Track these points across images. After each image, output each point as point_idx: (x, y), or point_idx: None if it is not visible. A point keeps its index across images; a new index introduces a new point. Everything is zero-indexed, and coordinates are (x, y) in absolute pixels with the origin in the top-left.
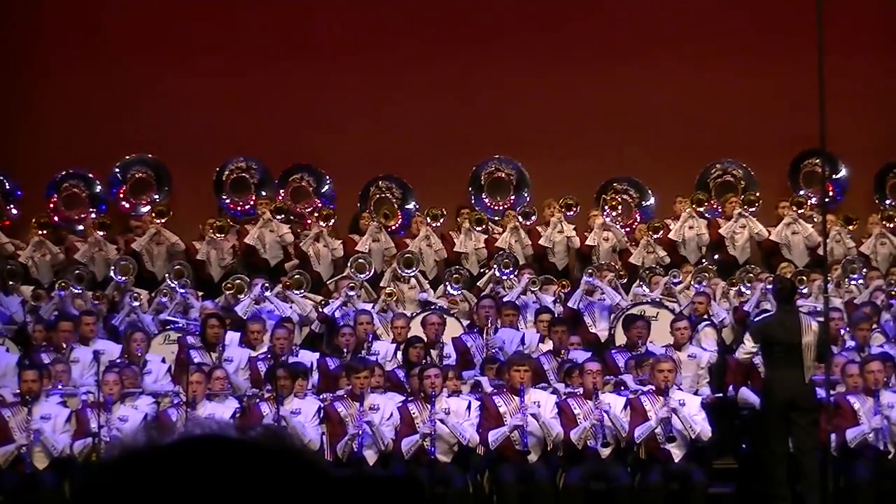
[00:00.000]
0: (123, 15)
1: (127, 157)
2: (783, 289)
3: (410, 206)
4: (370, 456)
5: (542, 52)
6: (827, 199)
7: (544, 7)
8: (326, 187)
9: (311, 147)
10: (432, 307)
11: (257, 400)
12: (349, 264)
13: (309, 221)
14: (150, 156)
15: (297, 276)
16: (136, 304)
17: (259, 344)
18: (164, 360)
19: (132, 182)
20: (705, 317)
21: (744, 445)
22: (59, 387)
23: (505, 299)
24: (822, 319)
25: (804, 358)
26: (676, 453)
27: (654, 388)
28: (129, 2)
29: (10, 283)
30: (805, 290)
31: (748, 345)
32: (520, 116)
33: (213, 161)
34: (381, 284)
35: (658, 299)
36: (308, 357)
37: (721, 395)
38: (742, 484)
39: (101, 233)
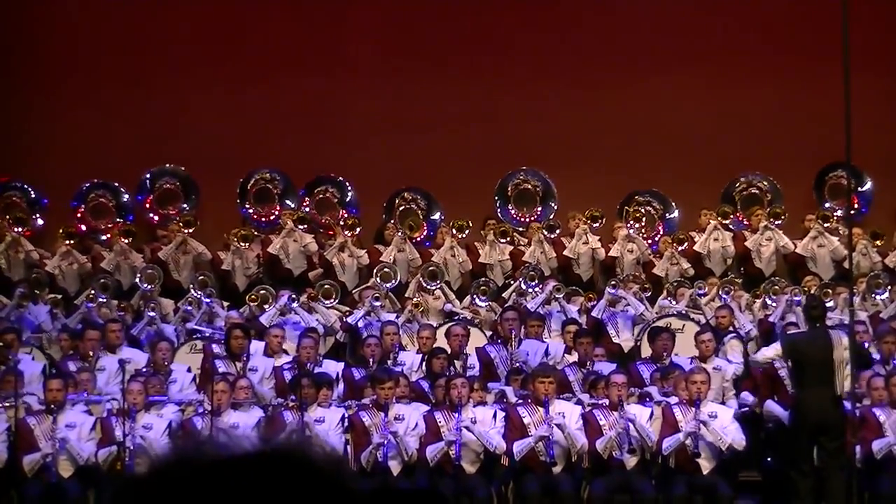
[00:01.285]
0: (153, 29)
1: (161, 167)
2: (815, 307)
3: (436, 216)
4: (394, 466)
5: (569, 66)
6: (852, 212)
7: (570, 22)
8: (350, 196)
9: (336, 159)
10: (456, 318)
11: (282, 409)
12: (375, 273)
13: (332, 232)
14: (182, 169)
15: (326, 287)
16: (154, 314)
17: (279, 350)
18: (189, 370)
19: (159, 192)
20: (730, 329)
21: (769, 459)
22: (84, 395)
23: (529, 307)
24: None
25: (835, 374)
26: (705, 465)
27: (681, 399)
28: (157, 18)
29: (37, 291)
30: (830, 304)
31: (774, 351)
32: (546, 129)
33: (240, 172)
34: (407, 295)
35: (683, 311)
36: (333, 367)
37: (746, 408)
38: (767, 497)
39: (126, 241)
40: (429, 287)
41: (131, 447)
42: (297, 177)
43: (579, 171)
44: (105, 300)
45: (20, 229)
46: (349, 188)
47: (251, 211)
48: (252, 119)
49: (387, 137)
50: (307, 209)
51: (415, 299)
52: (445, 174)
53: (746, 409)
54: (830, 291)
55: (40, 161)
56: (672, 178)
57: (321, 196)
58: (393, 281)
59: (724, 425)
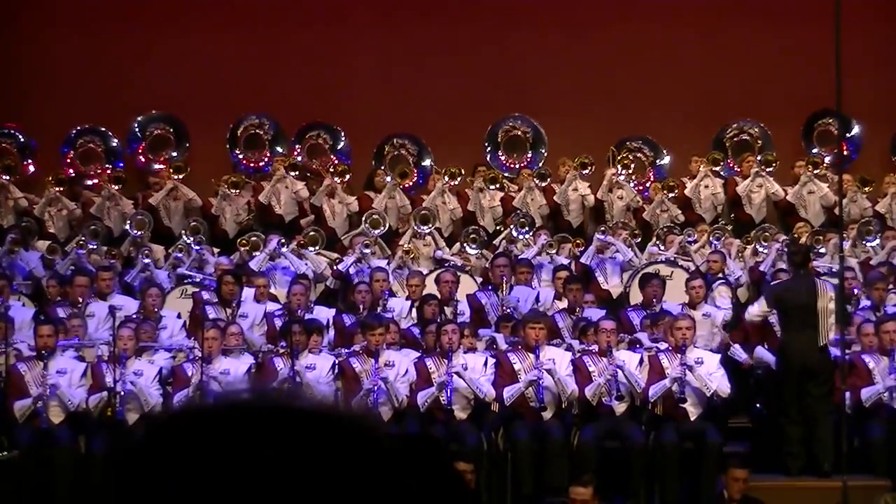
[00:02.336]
0: None
1: (150, 114)
2: (798, 254)
3: (426, 163)
4: (385, 412)
5: (559, 11)
6: (842, 159)
7: None
8: (342, 144)
9: (326, 105)
10: (446, 264)
11: (272, 355)
12: (364, 220)
13: (324, 177)
14: (172, 115)
15: (311, 234)
16: (148, 260)
17: (266, 299)
18: (179, 316)
19: (150, 139)
20: (720, 275)
21: (758, 405)
22: (75, 341)
23: (520, 258)
24: (836, 282)
25: (819, 322)
26: (692, 411)
27: (670, 345)
28: None
29: (27, 238)
30: (821, 250)
31: (760, 307)
32: (536, 75)
33: (231, 118)
34: (401, 242)
35: (672, 258)
36: (324, 314)
37: (735, 347)
38: (756, 443)
39: (116, 187)
40: (420, 231)
41: (122, 393)
42: (287, 123)
43: (570, 117)
44: (95, 246)
45: (8, 177)
46: (342, 135)
47: (241, 157)
48: (242, 65)
49: (376, 84)
50: (298, 155)
51: (406, 245)
52: (435, 121)
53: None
54: (821, 238)
55: (29, 107)
56: (663, 125)
57: (312, 142)
58: (382, 227)
59: (709, 371)
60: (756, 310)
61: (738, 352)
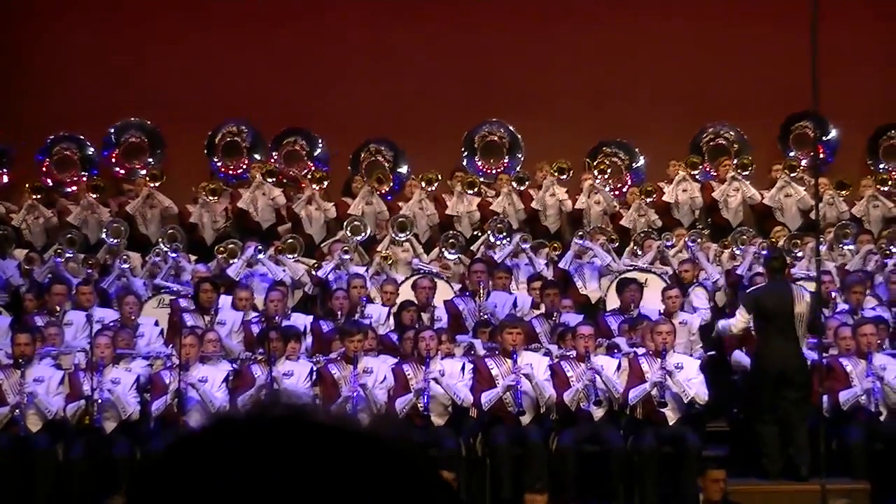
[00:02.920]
0: None
1: (125, 121)
2: (775, 260)
3: (402, 169)
4: (363, 419)
5: (535, 14)
6: (818, 162)
7: None
8: (319, 150)
9: (303, 111)
10: (423, 271)
11: (250, 362)
12: (345, 226)
13: (302, 184)
14: (148, 123)
15: (290, 241)
16: (125, 266)
17: (247, 309)
18: (157, 323)
19: (125, 146)
20: (695, 281)
21: (735, 410)
22: (52, 349)
23: (496, 258)
24: (812, 290)
25: (797, 328)
26: (671, 416)
27: (649, 350)
28: None
29: (5, 247)
30: (799, 254)
31: (741, 316)
32: (512, 80)
33: (207, 125)
34: (378, 249)
35: (646, 267)
36: (301, 320)
37: (714, 352)
38: (734, 446)
39: (93, 195)
40: (398, 238)
41: (99, 401)
42: (264, 128)
43: (547, 121)
44: (72, 255)
45: None
46: (320, 142)
47: (219, 164)
48: (219, 71)
49: (352, 89)
50: (276, 162)
51: (384, 251)
52: (411, 126)
53: (713, 353)
54: (799, 242)
55: (4, 114)
56: (640, 129)
57: (290, 148)
58: (363, 234)
59: (689, 377)
60: (738, 321)
61: (743, 357)
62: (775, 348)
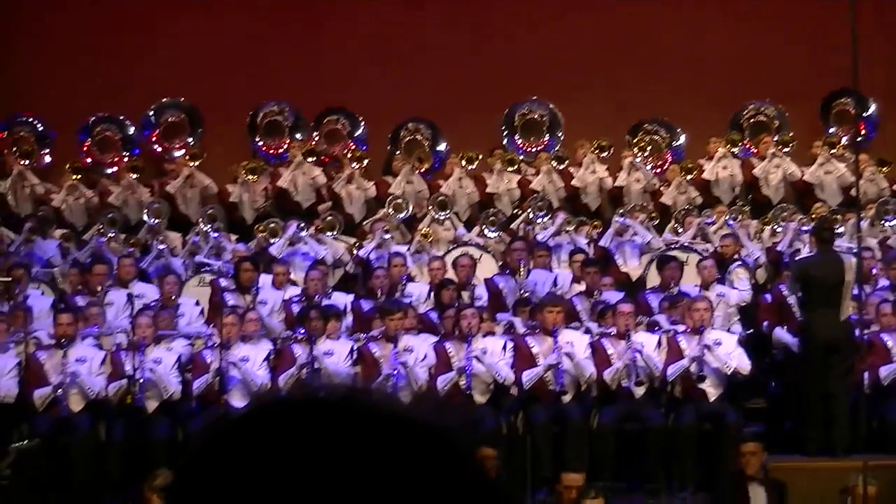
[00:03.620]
0: None
1: (161, 101)
2: (824, 230)
3: (441, 147)
4: (403, 398)
5: None
6: (859, 139)
7: None
8: (360, 130)
9: (343, 90)
10: (465, 244)
11: (290, 342)
12: (387, 205)
13: (342, 164)
14: (182, 100)
15: (329, 219)
16: (163, 247)
17: (285, 286)
18: (197, 303)
19: (165, 125)
20: (736, 257)
21: (773, 384)
22: (95, 329)
23: (539, 238)
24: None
25: (843, 297)
26: (712, 392)
27: (688, 327)
28: None
29: (45, 227)
30: (840, 230)
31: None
32: (553, 58)
33: (246, 105)
34: (419, 227)
35: (688, 244)
36: (342, 299)
37: (752, 331)
38: (772, 424)
39: (133, 175)
40: (438, 217)
41: (141, 380)
42: (304, 108)
43: (587, 98)
44: (114, 234)
45: (26, 162)
46: (361, 121)
47: (261, 144)
48: (258, 51)
49: (391, 69)
50: (316, 141)
51: (424, 230)
52: (451, 104)
53: (752, 331)
54: (839, 218)
55: (47, 96)
56: (680, 106)
57: (331, 127)
58: (405, 211)
59: (728, 351)
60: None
61: (784, 335)
62: (823, 318)
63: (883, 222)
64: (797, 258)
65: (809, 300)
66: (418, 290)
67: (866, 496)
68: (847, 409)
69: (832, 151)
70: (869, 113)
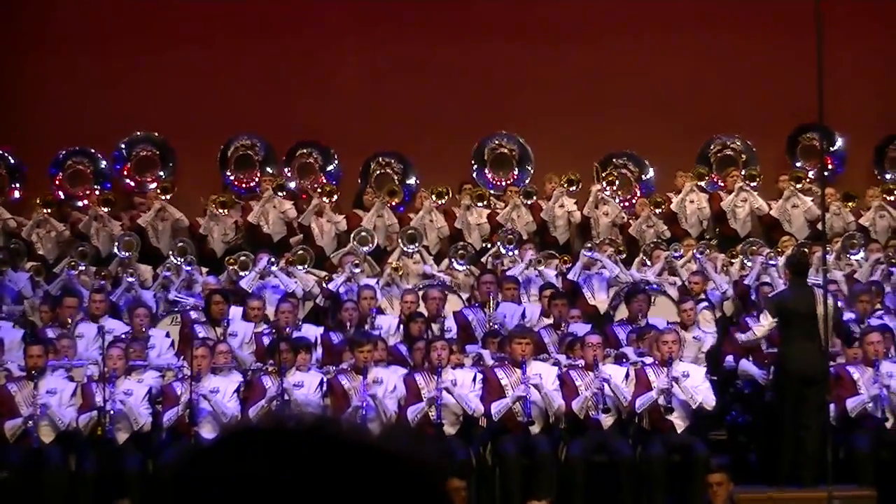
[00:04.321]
0: None
1: (133, 135)
2: (797, 263)
3: (411, 181)
4: (373, 429)
5: (542, 29)
6: (826, 172)
7: None
8: (333, 166)
9: (313, 123)
10: (434, 281)
11: (261, 373)
12: (352, 238)
13: (311, 197)
14: (156, 134)
15: (300, 252)
16: (132, 279)
17: (259, 320)
18: (168, 335)
19: (136, 159)
20: (702, 296)
21: (734, 415)
22: (66, 361)
23: (510, 273)
24: (830, 291)
25: (819, 329)
26: (679, 424)
27: (656, 359)
28: None
29: (16, 260)
30: None
31: (766, 324)
32: (521, 93)
33: (217, 138)
34: (389, 261)
35: (656, 285)
36: (312, 331)
37: (715, 376)
38: (735, 454)
39: (105, 209)
40: (407, 250)
41: (112, 412)
42: (273, 142)
43: (555, 133)
44: (84, 267)
45: None
46: (334, 155)
47: (232, 177)
48: (229, 85)
49: (362, 103)
50: (289, 174)
51: (394, 263)
52: (422, 139)
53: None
54: (806, 251)
55: (18, 131)
56: (648, 140)
57: (303, 160)
58: (370, 245)
59: (695, 384)
60: (762, 326)
61: (750, 367)
62: (799, 350)
63: (849, 255)
64: (772, 293)
65: (786, 333)
66: (388, 323)
67: None
68: (817, 443)
69: (798, 186)
70: (836, 148)
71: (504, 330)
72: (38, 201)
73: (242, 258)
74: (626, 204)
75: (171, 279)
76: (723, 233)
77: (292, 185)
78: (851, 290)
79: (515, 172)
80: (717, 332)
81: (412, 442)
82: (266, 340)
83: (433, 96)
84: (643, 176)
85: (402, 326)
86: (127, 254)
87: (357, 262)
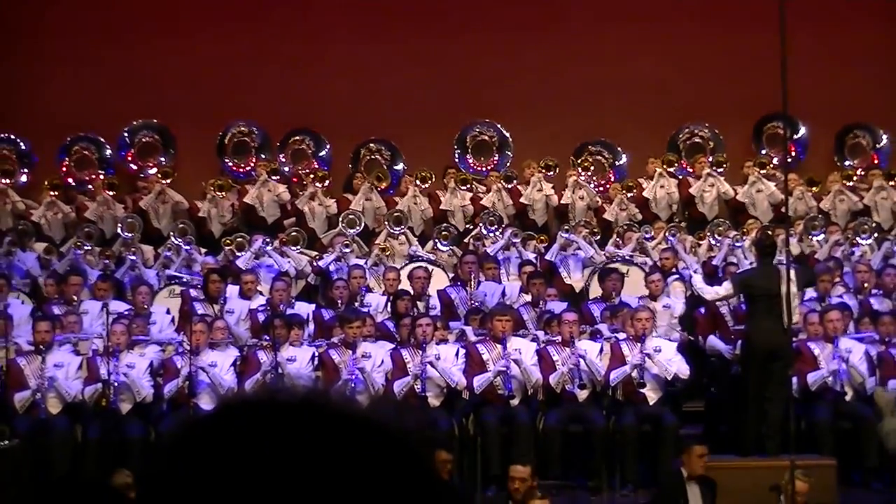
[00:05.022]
0: None
1: (134, 123)
2: (764, 244)
3: (399, 167)
4: (362, 401)
5: (521, 23)
6: (790, 159)
7: None
8: (325, 151)
9: (305, 112)
10: (419, 259)
11: (256, 348)
12: (341, 220)
13: (304, 182)
14: (155, 121)
15: (293, 233)
16: (134, 258)
17: (254, 294)
18: (168, 312)
19: (139, 146)
20: (673, 271)
21: (712, 389)
22: (71, 336)
23: (489, 251)
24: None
25: (783, 306)
26: (651, 396)
27: (629, 335)
28: None
29: (25, 240)
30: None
31: (725, 289)
32: (501, 84)
33: (215, 125)
34: (377, 242)
35: (629, 257)
36: (304, 309)
37: (692, 338)
38: (710, 425)
39: (109, 193)
40: (394, 232)
41: (115, 384)
42: (269, 127)
43: (535, 120)
44: (90, 248)
45: (7, 181)
46: (326, 143)
47: (229, 163)
48: (226, 75)
49: (351, 93)
50: (283, 160)
51: (381, 244)
52: (407, 126)
53: (692, 338)
54: (770, 233)
55: (26, 117)
56: (621, 127)
57: (297, 147)
58: (358, 227)
59: (668, 357)
60: (721, 290)
61: (717, 342)
62: (764, 327)
63: (811, 237)
64: (739, 271)
65: (752, 310)
66: (376, 301)
67: (794, 493)
68: (780, 414)
69: (762, 171)
70: (799, 135)
71: (485, 307)
72: (46, 184)
73: (239, 239)
74: (601, 189)
75: (172, 259)
76: (691, 216)
77: (286, 169)
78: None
79: (495, 158)
80: (685, 303)
81: (399, 413)
82: (261, 317)
83: (418, 86)
84: (616, 162)
85: (389, 304)
86: (130, 234)
87: (347, 242)
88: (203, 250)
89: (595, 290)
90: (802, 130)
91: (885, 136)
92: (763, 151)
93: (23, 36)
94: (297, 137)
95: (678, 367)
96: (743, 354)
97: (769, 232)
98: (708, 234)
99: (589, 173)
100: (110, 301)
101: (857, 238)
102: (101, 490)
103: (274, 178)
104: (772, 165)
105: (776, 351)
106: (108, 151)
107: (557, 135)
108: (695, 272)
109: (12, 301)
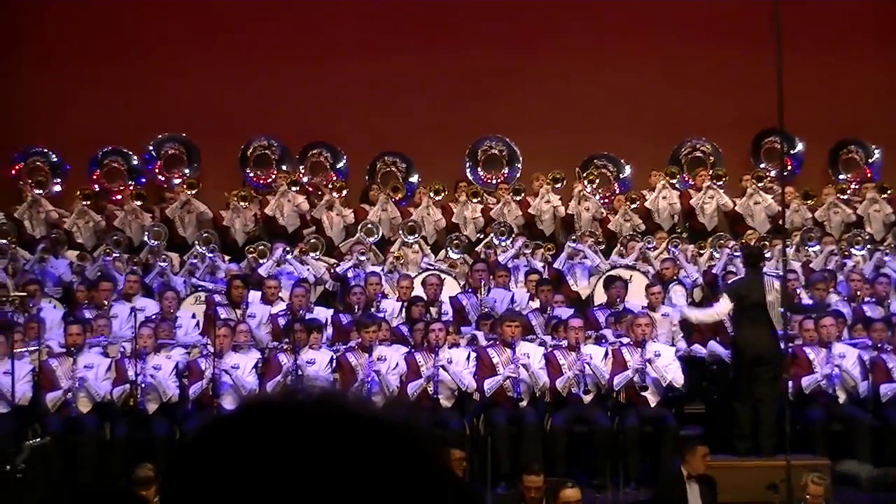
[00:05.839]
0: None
1: (160, 136)
2: (751, 255)
3: (413, 178)
4: (377, 402)
5: (533, 41)
6: (786, 173)
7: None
8: (342, 164)
9: (323, 128)
10: (432, 267)
11: (277, 351)
12: (359, 229)
13: (323, 192)
14: (183, 135)
15: (312, 241)
16: (164, 265)
17: (276, 299)
18: (193, 316)
19: (165, 158)
20: (674, 278)
21: (714, 396)
22: (101, 339)
23: (500, 260)
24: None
25: (769, 315)
26: (651, 399)
27: (631, 340)
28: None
29: (58, 248)
30: (768, 255)
31: (723, 307)
32: (511, 100)
33: (237, 138)
34: (392, 250)
35: (632, 264)
36: (323, 313)
37: (694, 345)
38: (709, 426)
39: (137, 202)
40: (408, 241)
41: (142, 385)
42: (288, 141)
43: (543, 135)
44: (118, 255)
45: (40, 191)
46: (343, 154)
47: (251, 174)
48: (248, 93)
49: (371, 111)
50: (302, 171)
51: (396, 252)
52: (422, 141)
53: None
54: (767, 244)
55: (58, 131)
56: (625, 142)
57: (315, 159)
58: (375, 236)
59: (666, 363)
60: (721, 308)
61: (697, 349)
62: (750, 333)
63: (806, 248)
64: (729, 280)
65: (740, 318)
66: (391, 306)
67: (791, 492)
68: (773, 415)
69: (760, 184)
70: (795, 150)
71: (495, 313)
72: (77, 194)
73: (261, 247)
74: (606, 200)
75: (197, 266)
76: (692, 227)
77: (305, 180)
78: (808, 279)
79: (505, 171)
80: (686, 306)
81: (412, 413)
82: (281, 321)
83: (432, 102)
84: (620, 175)
85: (403, 309)
86: (156, 242)
87: (364, 251)
88: (227, 258)
89: (600, 297)
90: (799, 146)
91: (877, 151)
92: (761, 165)
93: (54, 56)
94: (316, 150)
95: (674, 374)
96: (733, 360)
97: (756, 245)
98: (709, 245)
99: (594, 185)
100: (138, 299)
101: (851, 249)
102: (124, 499)
103: (293, 189)
104: (769, 178)
105: (762, 356)
106: (136, 162)
107: (564, 149)
108: (694, 281)
109: (45, 305)
